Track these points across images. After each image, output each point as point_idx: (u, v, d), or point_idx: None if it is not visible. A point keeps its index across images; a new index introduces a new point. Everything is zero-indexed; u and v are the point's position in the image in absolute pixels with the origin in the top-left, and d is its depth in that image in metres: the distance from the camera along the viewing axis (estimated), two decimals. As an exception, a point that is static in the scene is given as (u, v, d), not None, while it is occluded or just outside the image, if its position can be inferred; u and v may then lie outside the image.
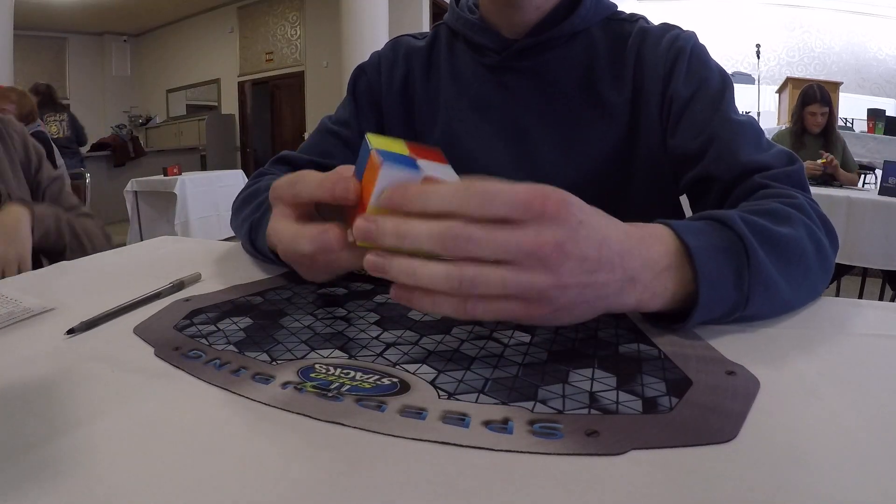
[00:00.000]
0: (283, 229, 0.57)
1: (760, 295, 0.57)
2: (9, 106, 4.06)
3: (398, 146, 0.50)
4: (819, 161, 3.82)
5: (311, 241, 0.53)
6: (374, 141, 0.49)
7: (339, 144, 1.04)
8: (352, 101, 1.07)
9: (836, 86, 5.90)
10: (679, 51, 0.89)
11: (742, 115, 0.86)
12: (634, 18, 0.98)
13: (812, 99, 4.04)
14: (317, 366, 0.51)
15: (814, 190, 2.96)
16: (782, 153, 0.80)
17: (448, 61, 1.03)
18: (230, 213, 0.97)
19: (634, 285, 0.52)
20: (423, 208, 0.44)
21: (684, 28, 0.94)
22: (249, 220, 0.82)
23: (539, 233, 0.44)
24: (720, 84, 0.88)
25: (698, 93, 0.87)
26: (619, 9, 1.01)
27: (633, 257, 0.51)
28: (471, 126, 0.99)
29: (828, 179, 3.85)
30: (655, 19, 0.96)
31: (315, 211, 0.59)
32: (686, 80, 0.88)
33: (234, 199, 0.94)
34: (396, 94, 1.04)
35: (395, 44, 1.08)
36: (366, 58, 1.10)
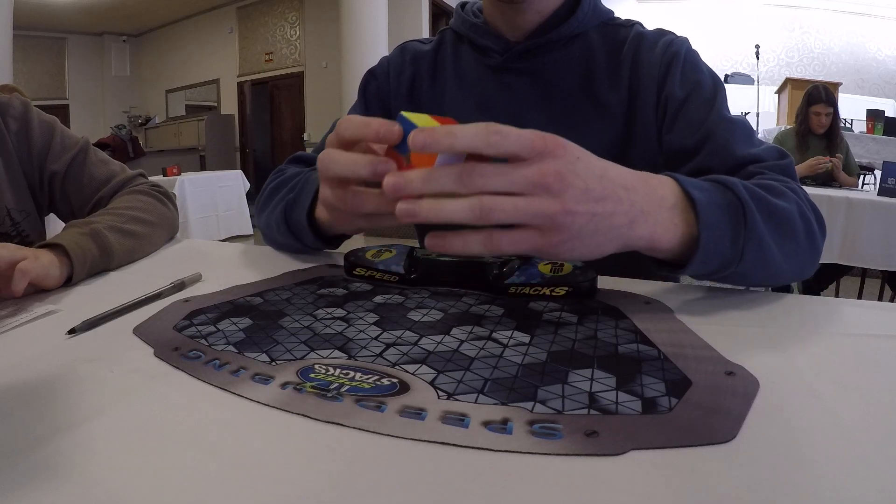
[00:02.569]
0: (340, 154, 0.60)
1: (754, 253, 0.63)
2: None
3: (430, 120, 0.57)
4: (826, 159, 3.82)
5: (368, 164, 0.57)
6: (412, 118, 0.55)
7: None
8: (362, 104, 1.13)
9: (835, 86, 5.89)
10: (674, 55, 0.94)
11: (730, 111, 0.91)
12: (630, 24, 1.03)
13: (817, 99, 4.03)
14: (316, 366, 0.51)
15: (813, 190, 2.94)
16: (773, 149, 0.86)
17: (453, 63, 1.08)
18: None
19: (646, 218, 0.58)
20: (452, 145, 0.50)
21: (682, 30, 0.98)
22: (284, 201, 0.88)
23: (541, 165, 0.51)
24: (713, 86, 0.93)
25: (693, 94, 0.92)
26: (615, 15, 1.06)
27: (638, 192, 0.58)
28: (473, 122, 1.01)
29: (827, 180, 3.85)
30: (655, 19, 1.00)
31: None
32: (681, 83, 0.93)
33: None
34: (404, 95, 1.10)
35: (402, 49, 1.14)
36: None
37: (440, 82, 1.09)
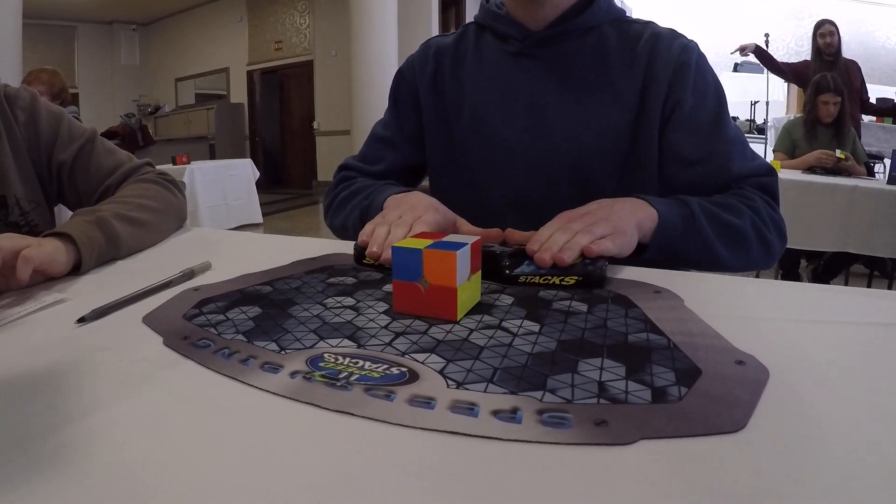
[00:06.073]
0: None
1: (698, 247, 0.89)
2: (40, 87, 3.99)
3: (422, 241, 0.63)
4: (837, 153, 3.79)
5: None
6: (403, 244, 0.62)
7: (385, 148, 1.24)
8: (393, 105, 1.26)
9: (844, 75, 5.86)
10: (686, 62, 1.03)
11: (731, 126, 1.05)
12: (643, 21, 1.12)
13: (825, 88, 4.00)
14: (326, 355, 0.51)
15: (822, 179, 2.92)
16: (763, 165, 1.03)
17: (475, 52, 1.18)
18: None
19: (635, 209, 0.85)
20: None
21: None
22: (359, 207, 1.06)
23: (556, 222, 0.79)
24: (717, 99, 1.05)
25: (701, 104, 1.03)
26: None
27: (613, 204, 0.84)
28: (494, 105, 1.12)
29: (838, 170, 3.81)
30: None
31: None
32: (691, 92, 1.02)
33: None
34: (429, 87, 1.20)
35: (426, 45, 1.24)
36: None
37: (461, 70, 1.18)
